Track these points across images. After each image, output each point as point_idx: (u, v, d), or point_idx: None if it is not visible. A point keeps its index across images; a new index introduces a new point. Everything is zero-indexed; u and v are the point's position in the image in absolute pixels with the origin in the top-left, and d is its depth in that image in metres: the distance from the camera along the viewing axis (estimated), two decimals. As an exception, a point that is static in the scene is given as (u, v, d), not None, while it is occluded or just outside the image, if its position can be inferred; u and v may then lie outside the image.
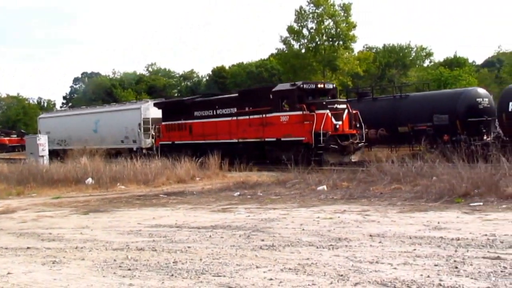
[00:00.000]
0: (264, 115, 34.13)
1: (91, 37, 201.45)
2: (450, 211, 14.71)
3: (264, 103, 34.15)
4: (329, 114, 31.31)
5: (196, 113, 39.66)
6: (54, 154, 49.22)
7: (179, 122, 40.92)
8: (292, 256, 9.92)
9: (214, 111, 38.18)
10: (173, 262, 9.83)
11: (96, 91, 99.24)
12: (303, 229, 12.72)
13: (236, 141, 36.09)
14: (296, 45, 62.93)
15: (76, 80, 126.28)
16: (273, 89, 34.50)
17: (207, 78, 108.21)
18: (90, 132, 52.84)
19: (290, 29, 61.85)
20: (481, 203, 15.58)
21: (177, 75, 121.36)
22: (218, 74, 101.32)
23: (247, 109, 35.46)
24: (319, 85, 34.05)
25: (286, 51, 63.61)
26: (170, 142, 41.44)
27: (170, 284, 8.47)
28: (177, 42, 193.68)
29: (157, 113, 44.95)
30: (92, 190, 25.50)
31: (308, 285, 8.04)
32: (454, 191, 16.87)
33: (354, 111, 32.59)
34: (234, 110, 36.40)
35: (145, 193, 23.84)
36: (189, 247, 11.19)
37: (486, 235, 11.11)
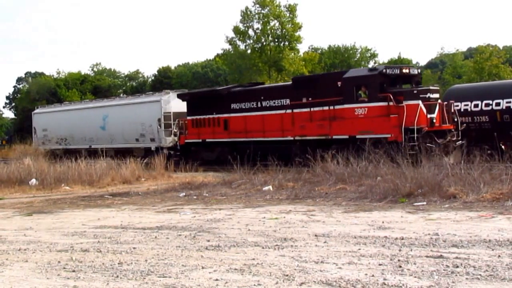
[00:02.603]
0: (331, 107, 28.64)
1: (34, 37, 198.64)
2: (394, 211, 14.89)
3: (330, 93, 28.62)
4: (422, 105, 26.18)
5: (233, 106, 34.13)
6: (52, 154, 45.23)
7: (211, 116, 35.32)
8: (238, 257, 9.93)
9: (259, 103, 32.72)
10: (118, 263, 9.77)
11: (40, 91, 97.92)
12: (249, 230, 12.75)
13: (292, 138, 30.58)
14: (241, 46, 63.01)
15: (19, 80, 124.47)
16: (345, 76, 29.07)
17: (153, 78, 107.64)
18: (97, 129, 46.33)
19: (235, 30, 61.84)
20: (425, 203, 15.81)
21: (123, 75, 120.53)
22: (164, 74, 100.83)
23: (304, 100, 30.08)
24: (403, 70, 28.01)
25: (232, 52, 63.60)
26: (199, 140, 36.05)
27: (115, 285, 8.41)
28: (122, 41, 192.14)
29: (179, 106, 38.93)
30: (36, 191, 25.17)
31: (254, 285, 8.06)
32: (398, 191, 17.08)
33: (450, 102, 27.63)
34: (287, 101, 31.07)
35: (90, 194, 23.66)
36: (134, 248, 11.13)
37: (429, 234, 11.26)
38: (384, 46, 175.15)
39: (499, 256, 9.27)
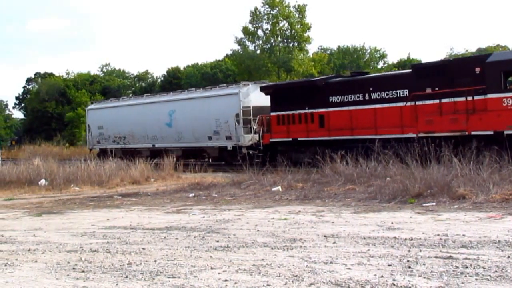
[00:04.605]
0: (469, 98, 24.46)
1: (43, 37, 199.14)
2: (404, 212, 14.85)
3: (466, 81, 24.57)
4: None
5: (332, 99, 30.07)
6: (109, 154, 38.87)
7: (303, 111, 31.40)
8: (247, 257, 9.92)
9: (368, 95, 28.64)
10: (128, 264, 9.77)
11: (49, 92, 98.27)
12: (258, 230, 12.74)
13: (414, 136, 25.84)
14: (251, 46, 63.15)
15: (29, 80, 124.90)
16: (488, 60, 24.35)
17: (162, 78, 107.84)
18: (162, 126, 42.34)
19: (245, 30, 61.99)
20: (434, 203, 15.76)
21: (132, 76, 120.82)
22: (173, 75, 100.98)
23: (429, 90, 25.94)
24: None
25: (241, 52, 63.65)
26: (289, 139, 32.07)
27: (124, 286, 8.41)
28: (131, 42, 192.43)
29: (260, 100, 35.30)
30: (46, 191, 25.25)
31: (263, 285, 8.05)
32: (407, 192, 17.04)
33: None
34: (405, 92, 27.01)
35: (99, 194, 23.71)
36: (143, 248, 11.13)
37: (438, 235, 11.23)
38: (393, 47, 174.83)
39: (508, 257, 9.23)
